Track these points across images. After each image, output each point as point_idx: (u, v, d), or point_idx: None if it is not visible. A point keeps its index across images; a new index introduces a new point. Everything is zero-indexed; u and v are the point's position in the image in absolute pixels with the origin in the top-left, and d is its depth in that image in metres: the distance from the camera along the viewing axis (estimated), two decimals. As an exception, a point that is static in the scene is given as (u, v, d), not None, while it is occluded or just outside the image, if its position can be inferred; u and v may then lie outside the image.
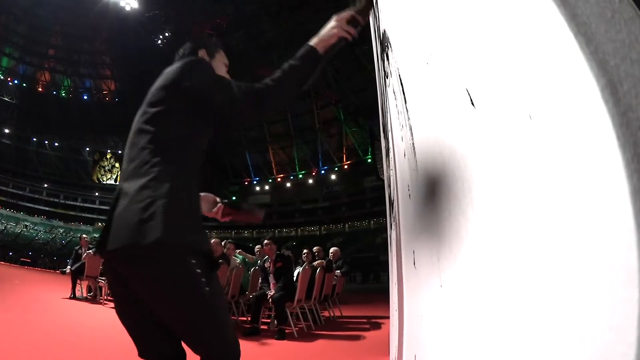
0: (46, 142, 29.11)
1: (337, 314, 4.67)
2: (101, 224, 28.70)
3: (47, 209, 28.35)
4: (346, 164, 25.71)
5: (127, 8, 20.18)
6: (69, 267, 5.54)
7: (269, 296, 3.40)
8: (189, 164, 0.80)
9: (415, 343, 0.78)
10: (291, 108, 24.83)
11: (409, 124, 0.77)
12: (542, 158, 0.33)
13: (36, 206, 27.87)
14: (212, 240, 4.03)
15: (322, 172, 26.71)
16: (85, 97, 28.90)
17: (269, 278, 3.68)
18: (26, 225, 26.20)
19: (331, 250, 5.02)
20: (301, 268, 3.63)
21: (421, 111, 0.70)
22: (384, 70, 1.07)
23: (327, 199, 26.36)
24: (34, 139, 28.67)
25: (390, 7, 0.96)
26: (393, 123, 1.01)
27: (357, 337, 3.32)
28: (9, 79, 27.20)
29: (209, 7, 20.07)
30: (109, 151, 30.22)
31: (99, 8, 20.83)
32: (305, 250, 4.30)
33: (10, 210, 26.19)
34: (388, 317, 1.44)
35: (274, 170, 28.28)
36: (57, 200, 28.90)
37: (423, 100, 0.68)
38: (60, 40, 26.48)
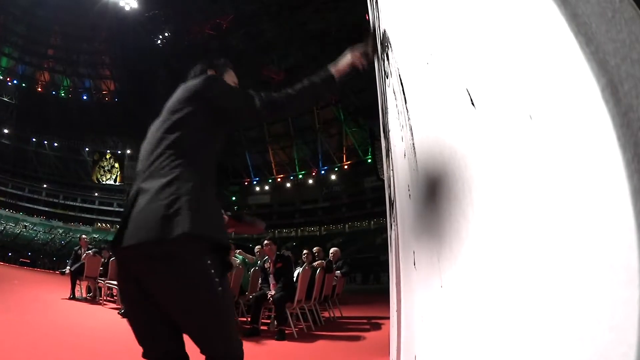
0: (45, 142, 29.07)
1: (337, 314, 4.67)
2: (100, 224, 28.70)
3: (46, 209, 28.31)
4: (346, 164, 25.71)
5: (127, 8, 20.18)
6: (68, 267, 5.53)
7: (269, 296, 3.40)
8: (206, 166, 0.86)
9: (415, 344, 0.78)
10: (291, 108, 24.78)
11: (409, 124, 0.77)
12: (542, 158, 0.33)
13: (35, 206, 27.83)
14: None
15: (322, 172, 26.71)
16: (85, 97, 28.88)
17: (269, 279, 3.67)
18: (25, 226, 26.16)
19: (331, 250, 5.01)
20: (301, 268, 3.63)
21: (421, 111, 0.70)
22: (384, 70, 1.07)
23: (327, 200, 26.36)
24: (33, 139, 28.64)
25: (390, 7, 0.96)
26: (393, 123, 1.01)
27: (357, 338, 3.32)
28: (8, 79, 27.18)
29: (209, 7, 20.08)
30: (108, 151, 30.19)
31: (98, 8, 20.82)
32: (305, 251, 4.29)
33: (9, 210, 26.15)
34: (388, 318, 1.44)
35: (274, 171, 28.28)
36: (56, 201, 28.87)
37: (423, 100, 0.68)
38: (60, 40, 26.46)
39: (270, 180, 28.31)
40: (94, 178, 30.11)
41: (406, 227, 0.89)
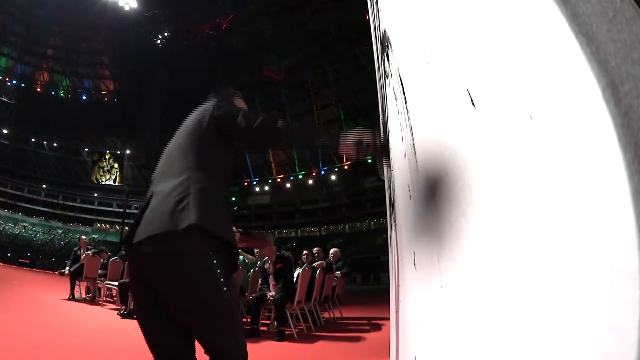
0: (45, 142, 29.04)
1: (337, 315, 4.66)
2: (100, 224, 28.66)
3: (45, 209, 28.27)
4: (346, 165, 25.68)
5: (126, 8, 20.15)
6: (67, 268, 5.53)
7: (268, 297, 3.39)
8: (217, 175, 0.91)
9: (415, 344, 0.78)
10: (291, 108, 24.86)
11: (410, 125, 0.77)
12: (543, 159, 0.33)
13: (35, 207, 27.79)
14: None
15: (322, 172, 26.70)
16: (84, 98, 28.86)
17: (269, 279, 3.67)
18: (25, 226, 26.13)
19: (331, 251, 5.01)
20: (301, 269, 3.63)
21: (422, 111, 0.70)
22: (384, 70, 1.07)
23: (327, 200, 26.34)
24: (33, 140, 28.60)
25: (390, 7, 0.96)
26: (393, 123, 1.01)
27: (357, 339, 3.32)
28: (7, 79, 27.15)
29: (209, 7, 20.08)
30: (107, 152, 30.16)
31: (97, 8, 20.80)
32: (305, 251, 4.29)
33: (8, 211, 26.11)
34: (388, 319, 1.44)
35: (274, 171, 28.27)
36: (55, 201, 28.83)
37: (423, 100, 0.68)
38: (59, 40, 26.44)
39: (270, 181, 28.29)
40: (93, 178, 30.07)
41: (406, 227, 0.89)
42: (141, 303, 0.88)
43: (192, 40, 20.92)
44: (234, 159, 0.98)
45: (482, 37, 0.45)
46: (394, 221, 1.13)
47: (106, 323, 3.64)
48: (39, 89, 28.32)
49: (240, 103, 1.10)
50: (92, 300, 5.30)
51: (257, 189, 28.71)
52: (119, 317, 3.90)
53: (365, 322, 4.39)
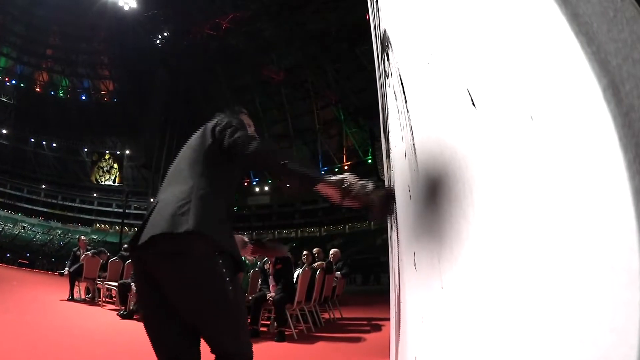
0: (44, 142, 28.99)
1: (337, 315, 4.66)
2: (99, 225, 28.61)
3: (45, 210, 28.22)
4: (346, 165, 25.68)
5: (126, 8, 20.13)
6: (67, 268, 5.51)
7: (268, 297, 3.39)
8: (222, 185, 0.93)
9: (415, 345, 0.78)
10: (291, 108, 24.85)
11: (410, 125, 0.77)
12: (543, 159, 0.33)
13: (34, 207, 27.75)
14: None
15: (322, 173, 26.64)
16: (84, 98, 28.83)
17: (269, 280, 3.66)
18: (24, 227, 26.07)
19: (331, 251, 5.00)
20: (301, 270, 3.62)
21: (422, 111, 0.70)
22: (384, 70, 1.07)
23: (327, 200, 26.02)
24: (32, 140, 28.55)
25: (390, 7, 0.96)
26: (393, 123, 1.01)
27: (358, 339, 3.31)
28: (6, 79, 27.11)
29: (209, 7, 20.07)
30: (107, 152, 30.11)
31: (97, 8, 20.78)
32: (305, 252, 4.28)
33: (7, 211, 26.06)
34: (388, 319, 1.44)
35: (274, 171, 28.19)
36: (55, 202, 28.78)
37: (424, 100, 0.68)
38: (58, 40, 26.41)
39: (270, 181, 28.28)
40: (93, 179, 30.02)
41: (406, 228, 0.89)
42: (145, 303, 0.89)
43: (192, 40, 20.90)
44: (240, 172, 1.01)
45: (482, 37, 0.44)
46: (394, 221, 1.13)
47: (106, 324, 3.63)
48: (38, 89, 28.28)
49: (245, 119, 1.12)
50: (92, 301, 5.29)
51: (257, 189, 28.69)
52: (118, 317, 3.89)
53: (365, 322, 4.39)
